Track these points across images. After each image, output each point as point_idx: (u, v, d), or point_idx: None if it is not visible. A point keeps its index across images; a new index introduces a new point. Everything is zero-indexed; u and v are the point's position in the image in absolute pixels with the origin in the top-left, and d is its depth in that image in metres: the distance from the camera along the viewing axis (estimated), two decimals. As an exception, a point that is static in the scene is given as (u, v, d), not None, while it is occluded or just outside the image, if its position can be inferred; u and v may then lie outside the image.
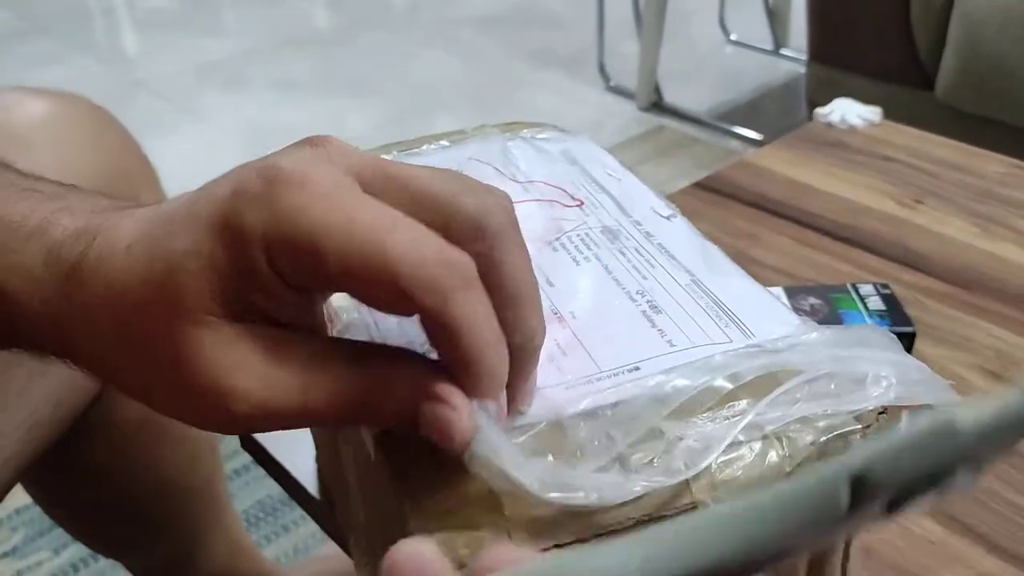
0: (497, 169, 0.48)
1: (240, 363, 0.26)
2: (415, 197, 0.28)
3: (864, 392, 0.32)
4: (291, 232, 0.25)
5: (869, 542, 0.50)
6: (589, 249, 0.42)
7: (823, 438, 0.31)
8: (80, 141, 0.57)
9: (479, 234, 0.28)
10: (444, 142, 0.51)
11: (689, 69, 2.38)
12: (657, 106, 2.17)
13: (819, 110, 0.96)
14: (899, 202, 0.81)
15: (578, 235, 0.43)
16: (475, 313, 0.27)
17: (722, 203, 0.82)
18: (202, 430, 0.29)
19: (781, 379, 0.32)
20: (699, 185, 0.85)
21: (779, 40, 2.37)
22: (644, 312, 0.37)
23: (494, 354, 0.27)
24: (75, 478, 0.66)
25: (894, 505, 0.17)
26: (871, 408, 0.32)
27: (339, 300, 0.36)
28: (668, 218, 0.45)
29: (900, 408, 0.33)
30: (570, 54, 2.38)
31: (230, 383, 0.26)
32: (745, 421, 0.31)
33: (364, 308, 0.36)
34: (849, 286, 0.66)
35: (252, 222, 0.26)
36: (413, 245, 0.26)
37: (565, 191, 0.47)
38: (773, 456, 0.31)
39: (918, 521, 0.51)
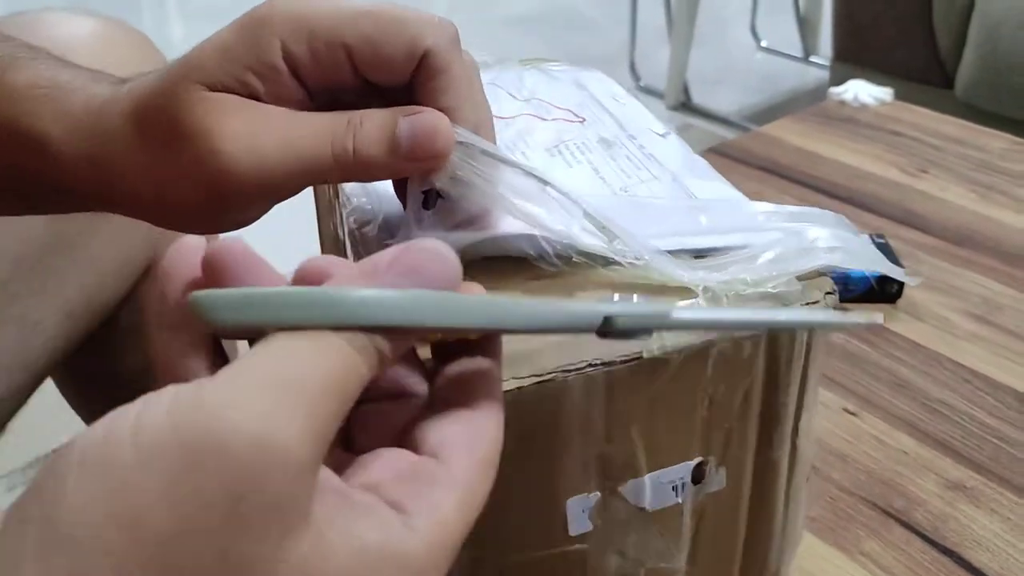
0: (510, 93, 0.53)
1: (230, 126, 0.31)
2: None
3: (809, 258, 0.36)
4: (310, 24, 0.30)
5: (847, 451, 0.54)
6: (584, 155, 0.46)
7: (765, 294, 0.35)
8: (121, 61, 0.61)
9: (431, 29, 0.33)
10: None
11: (719, 73, 2.42)
12: (685, 106, 2.21)
13: (833, 89, 1.00)
14: (903, 170, 0.85)
15: (575, 144, 0.47)
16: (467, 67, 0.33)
17: (733, 167, 0.86)
18: (199, 223, 0.33)
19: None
20: (712, 150, 0.89)
21: (809, 47, 2.40)
22: (635, 202, 0.41)
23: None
24: (106, 381, 0.70)
25: (620, 335, 0.26)
26: (814, 269, 0.35)
27: (351, 187, 0.41)
28: (663, 135, 0.48)
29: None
30: (603, 55, 2.43)
31: (217, 144, 0.30)
32: (698, 275, 0.35)
33: (372, 193, 0.40)
34: (845, 235, 0.70)
35: (275, 12, 0.31)
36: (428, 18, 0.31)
37: (570, 110, 0.51)
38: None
39: (892, 434, 0.55)
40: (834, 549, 0.48)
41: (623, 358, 0.32)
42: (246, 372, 0.21)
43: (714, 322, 0.31)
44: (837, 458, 0.54)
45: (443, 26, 0.32)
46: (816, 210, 0.38)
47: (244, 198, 0.32)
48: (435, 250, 0.24)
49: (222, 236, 0.26)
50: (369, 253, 0.25)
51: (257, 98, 0.32)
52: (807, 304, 0.35)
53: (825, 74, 2.16)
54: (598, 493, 0.35)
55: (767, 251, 0.36)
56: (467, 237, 0.35)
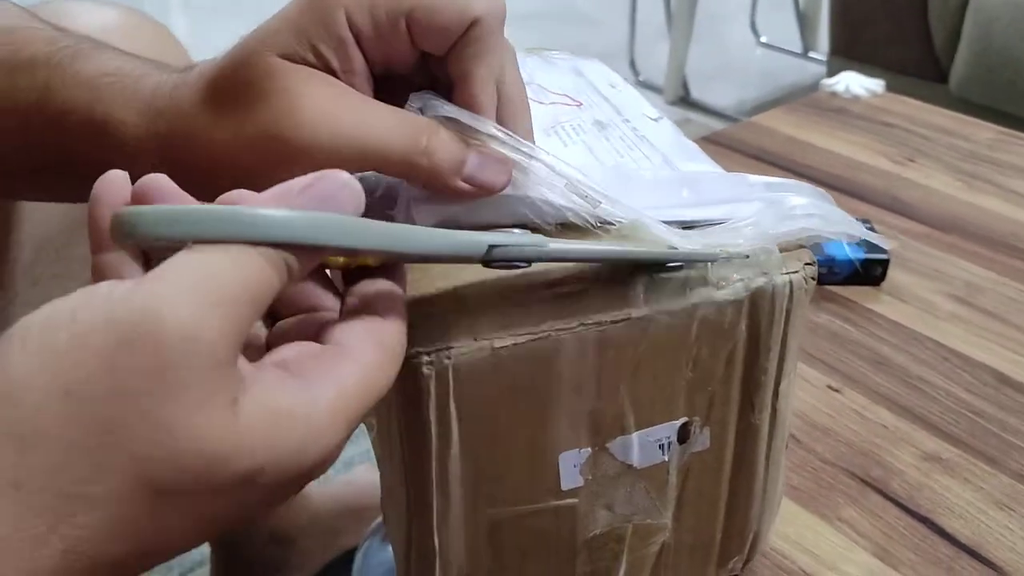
0: None
1: (310, 94, 0.32)
2: None
3: (789, 223, 0.38)
4: None
5: (829, 425, 0.56)
6: (579, 136, 0.47)
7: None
8: (142, 51, 0.63)
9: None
10: None
11: (718, 69, 2.44)
12: (684, 101, 2.23)
13: (825, 80, 1.02)
14: (892, 160, 0.87)
15: (571, 125, 0.49)
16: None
17: (724, 154, 0.88)
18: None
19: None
20: (705, 139, 0.91)
21: (808, 43, 2.42)
22: (623, 173, 0.43)
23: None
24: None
25: (502, 264, 0.31)
26: (794, 233, 0.37)
27: None
28: (656, 120, 0.50)
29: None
30: (602, 50, 2.45)
31: (298, 109, 0.32)
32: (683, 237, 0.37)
33: None
34: (832, 220, 0.72)
35: None
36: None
37: (567, 95, 0.53)
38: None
39: (872, 409, 0.57)
40: (815, 516, 0.50)
41: (613, 318, 0.34)
42: (172, 276, 0.24)
43: (588, 253, 0.33)
44: (820, 432, 0.56)
45: (494, 1, 0.34)
46: (797, 182, 0.40)
47: (309, 167, 0.33)
48: (344, 180, 0.27)
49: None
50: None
51: (330, 71, 0.33)
52: (787, 273, 0.37)
53: (823, 69, 2.18)
54: (589, 449, 0.37)
55: (749, 220, 0.38)
56: (463, 206, 0.37)
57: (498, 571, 0.39)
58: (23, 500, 0.22)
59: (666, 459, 0.39)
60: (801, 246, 0.38)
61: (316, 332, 0.29)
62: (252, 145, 0.33)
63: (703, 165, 0.45)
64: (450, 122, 0.34)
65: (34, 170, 0.40)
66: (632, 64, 2.35)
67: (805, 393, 0.59)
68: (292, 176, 0.34)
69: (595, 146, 0.46)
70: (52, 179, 0.40)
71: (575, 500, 0.38)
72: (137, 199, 0.27)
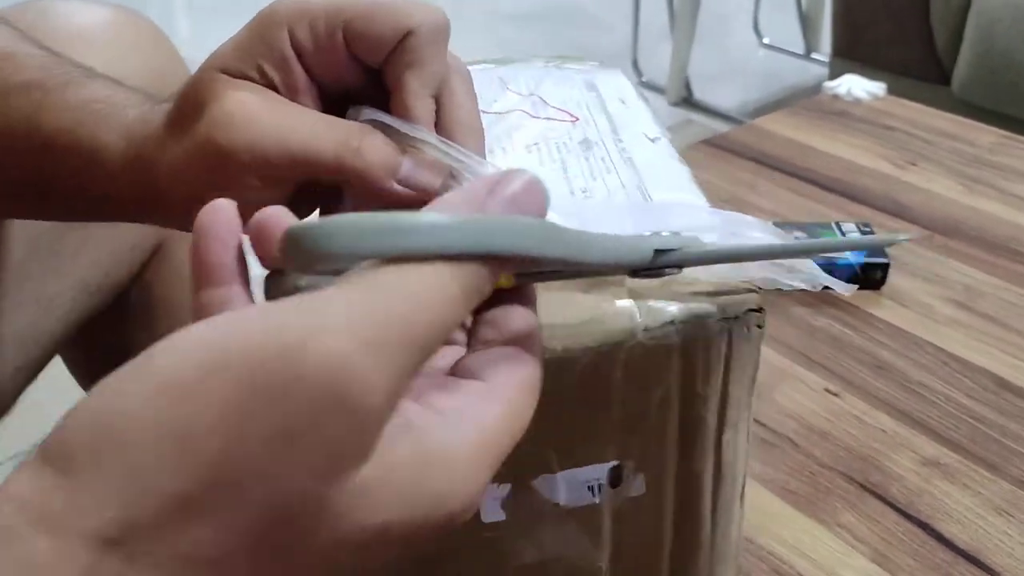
0: (511, 88, 0.54)
1: (241, 105, 0.32)
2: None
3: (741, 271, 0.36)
4: (309, 10, 0.32)
5: (828, 429, 0.56)
6: (559, 154, 0.46)
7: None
8: (133, 50, 0.62)
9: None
10: (489, 64, 0.57)
11: (721, 70, 2.44)
12: (687, 102, 2.22)
13: (827, 83, 1.02)
14: (893, 163, 0.87)
15: (556, 143, 0.48)
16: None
17: (725, 157, 0.88)
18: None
19: None
20: (706, 142, 0.92)
21: (811, 44, 2.41)
22: (576, 203, 0.41)
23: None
24: (116, 359, 0.72)
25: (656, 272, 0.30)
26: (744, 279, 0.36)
27: None
28: (653, 140, 0.48)
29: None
30: (605, 51, 2.45)
31: (230, 119, 0.32)
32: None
33: None
34: (833, 223, 0.72)
35: (280, 8, 0.33)
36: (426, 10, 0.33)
37: (566, 111, 0.52)
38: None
39: (872, 413, 0.57)
40: (812, 521, 0.50)
41: None
42: (340, 303, 0.20)
43: (744, 251, 0.32)
44: (818, 436, 0.56)
45: (433, 13, 0.34)
46: (761, 222, 0.38)
47: (242, 171, 0.33)
48: (529, 178, 0.24)
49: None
50: None
51: (274, 87, 0.34)
52: (725, 319, 0.35)
53: (826, 71, 2.17)
54: (509, 484, 0.36)
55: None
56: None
57: None
58: (126, 557, 0.19)
59: (597, 501, 0.37)
60: (751, 289, 0.36)
61: (446, 362, 0.26)
62: (194, 156, 0.33)
63: (681, 194, 0.43)
64: (386, 128, 0.34)
65: (15, 192, 0.40)
66: (635, 65, 2.35)
67: (803, 397, 0.59)
68: (232, 186, 0.33)
69: (572, 166, 0.45)
70: (33, 199, 0.41)
71: (497, 533, 0.37)
72: (256, 233, 0.25)
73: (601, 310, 0.34)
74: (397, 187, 0.33)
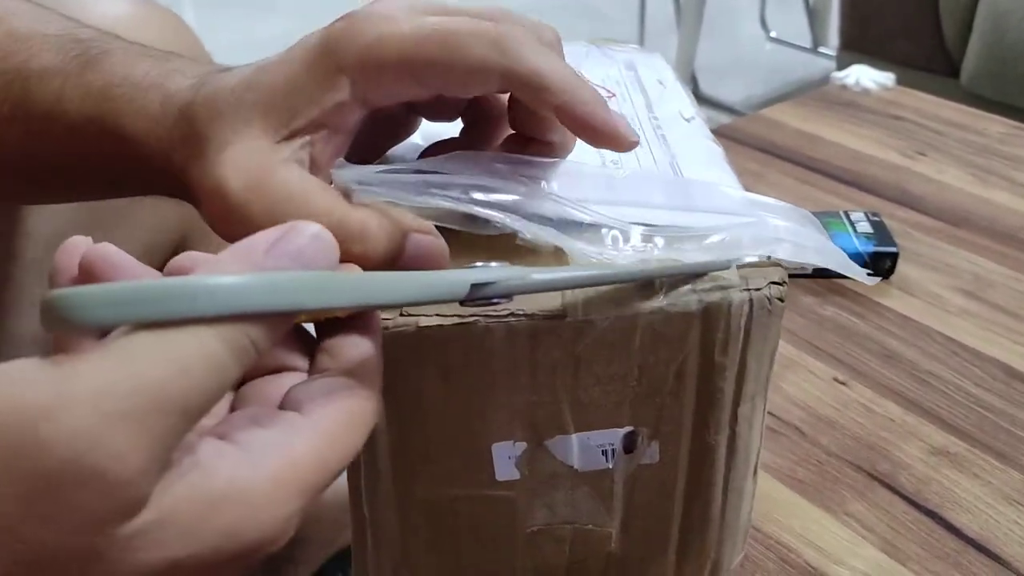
0: None
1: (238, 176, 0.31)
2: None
3: (755, 246, 0.36)
4: (371, 50, 0.31)
5: (836, 418, 0.56)
6: None
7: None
8: (154, 42, 0.63)
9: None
10: None
11: (728, 64, 2.43)
12: (693, 95, 2.21)
13: (835, 74, 1.01)
14: (902, 153, 0.86)
15: None
16: (543, 57, 0.33)
17: (733, 148, 0.88)
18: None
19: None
20: (714, 132, 0.91)
21: (818, 38, 2.40)
22: (607, 173, 0.40)
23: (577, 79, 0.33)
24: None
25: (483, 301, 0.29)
26: (758, 256, 0.35)
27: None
28: (688, 120, 0.47)
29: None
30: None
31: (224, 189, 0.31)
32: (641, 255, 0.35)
33: None
34: (841, 212, 0.72)
35: (340, 50, 0.31)
36: (469, 26, 0.32)
37: (604, 87, 0.52)
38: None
39: (880, 402, 0.57)
40: (820, 510, 0.50)
41: (544, 313, 0.33)
42: (85, 372, 0.21)
43: (569, 280, 0.31)
44: (826, 424, 0.55)
45: (501, 38, 0.32)
46: (789, 206, 0.38)
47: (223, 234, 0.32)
48: (313, 232, 0.24)
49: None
50: None
51: (325, 127, 0.32)
52: (747, 289, 0.34)
53: (833, 64, 2.17)
54: (524, 443, 0.36)
55: (720, 236, 0.36)
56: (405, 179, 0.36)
57: (435, 553, 0.38)
58: None
59: (610, 466, 0.37)
60: (776, 264, 0.36)
61: (280, 395, 0.27)
62: (203, 194, 0.32)
63: (712, 172, 0.43)
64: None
65: (43, 174, 0.40)
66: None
67: (811, 386, 0.58)
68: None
69: None
70: (63, 181, 0.40)
71: (512, 492, 0.37)
72: (84, 272, 0.25)
73: None
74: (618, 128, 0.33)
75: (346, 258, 0.29)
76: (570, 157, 0.38)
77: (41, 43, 0.38)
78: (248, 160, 0.32)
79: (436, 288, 0.28)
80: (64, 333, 0.22)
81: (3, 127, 0.37)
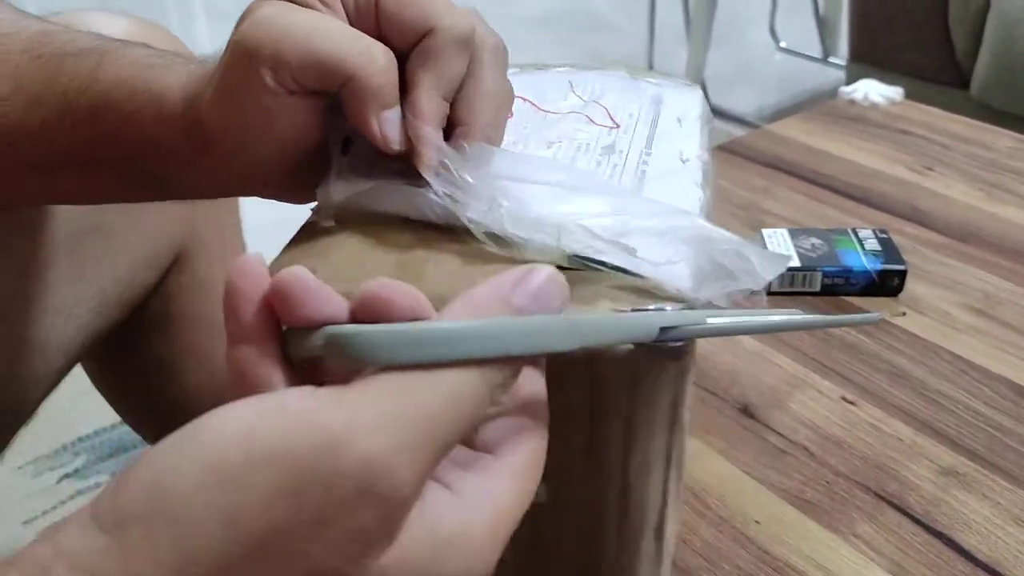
0: (576, 92, 0.53)
1: (275, 11, 0.34)
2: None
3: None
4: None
5: (844, 438, 0.56)
6: (575, 153, 0.46)
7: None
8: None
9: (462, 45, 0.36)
10: (568, 68, 0.57)
11: (738, 73, 2.43)
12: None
13: (843, 88, 1.01)
14: (910, 168, 0.86)
15: (578, 144, 0.48)
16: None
17: (740, 163, 0.88)
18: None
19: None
20: (721, 147, 0.91)
21: (828, 48, 2.40)
22: (559, 192, 0.40)
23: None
24: (136, 369, 0.73)
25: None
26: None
27: None
28: (684, 162, 0.46)
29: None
30: (621, 55, 2.45)
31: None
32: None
33: None
34: (850, 230, 0.72)
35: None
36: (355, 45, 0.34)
37: (612, 117, 0.52)
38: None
39: (888, 422, 0.57)
40: (828, 531, 0.50)
41: None
42: (373, 403, 0.23)
43: (745, 326, 0.32)
44: (834, 444, 0.55)
45: (462, 16, 0.35)
46: (747, 244, 0.36)
47: (258, 74, 0.34)
48: (550, 274, 0.26)
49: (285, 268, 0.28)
50: None
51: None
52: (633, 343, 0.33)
53: (844, 75, 2.16)
54: None
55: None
56: (373, 188, 0.37)
57: None
58: None
59: None
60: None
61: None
62: (226, 69, 0.35)
63: (673, 214, 0.40)
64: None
65: (58, 163, 0.41)
66: (650, 69, 2.35)
67: (819, 405, 0.58)
68: (254, 92, 0.34)
69: (580, 164, 0.44)
70: (77, 168, 0.41)
71: None
72: (278, 293, 0.26)
73: None
74: (373, 126, 0.35)
75: (356, 79, 0.33)
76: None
77: (77, 35, 0.41)
78: (276, 5, 0.35)
79: (633, 331, 0.29)
80: (346, 366, 0.24)
81: (28, 110, 0.39)
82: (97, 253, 0.61)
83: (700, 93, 0.53)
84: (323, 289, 0.26)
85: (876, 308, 0.66)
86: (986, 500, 0.51)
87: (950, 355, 0.62)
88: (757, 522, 0.50)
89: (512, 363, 0.25)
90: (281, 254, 0.37)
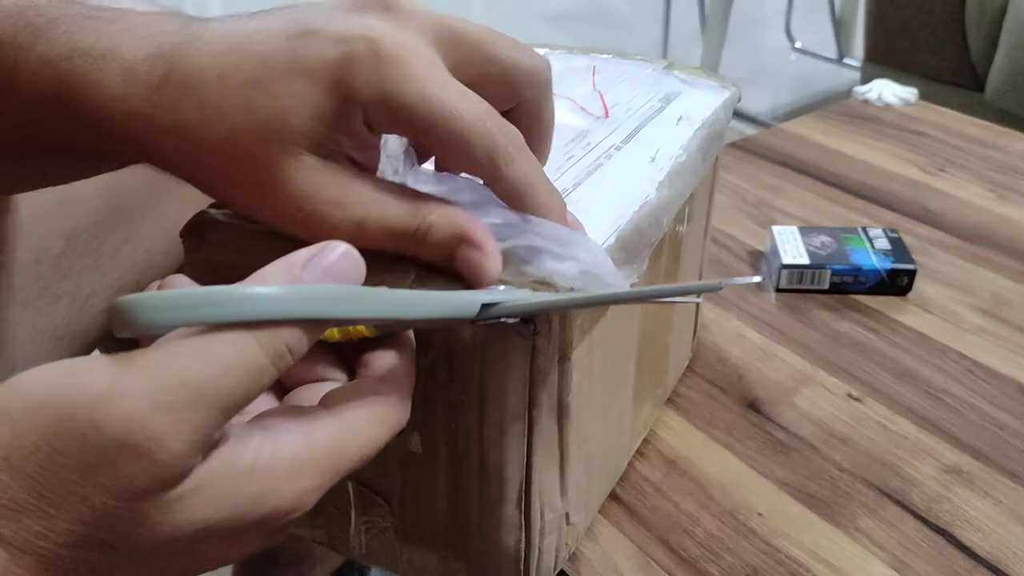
0: (594, 81, 0.53)
1: (319, 192, 0.33)
2: (481, 55, 0.35)
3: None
4: (393, 101, 0.32)
5: (848, 434, 0.56)
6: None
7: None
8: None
9: (532, 84, 0.36)
10: (608, 56, 0.57)
11: (752, 73, 2.43)
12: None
13: (857, 88, 1.01)
14: (923, 169, 0.86)
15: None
16: (530, 170, 0.34)
17: (753, 160, 0.88)
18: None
19: None
20: (734, 145, 0.91)
21: (843, 49, 2.40)
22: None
23: (550, 195, 0.35)
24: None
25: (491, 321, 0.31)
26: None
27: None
28: (651, 160, 0.46)
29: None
30: (635, 52, 2.46)
31: (311, 208, 0.33)
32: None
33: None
34: (860, 229, 0.72)
35: (361, 87, 0.32)
36: (480, 119, 0.33)
37: (604, 106, 0.52)
38: None
39: (894, 419, 0.57)
40: (831, 525, 0.50)
41: None
42: (136, 369, 0.25)
43: (570, 301, 0.33)
44: (839, 440, 0.56)
45: (540, 75, 0.36)
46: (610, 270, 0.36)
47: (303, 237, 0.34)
48: (343, 250, 0.28)
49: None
50: None
51: (342, 152, 0.34)
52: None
53: (859, 76, 2.16)
54: None
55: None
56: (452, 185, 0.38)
57: None
58: None
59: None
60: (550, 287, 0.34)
61: (317, 399, 0.31)
62: (275, 218, 0.34)
63: (596, 209, 0.41)
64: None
65: (13, 152, 0.39)
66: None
67: (824, 401, 0.58)
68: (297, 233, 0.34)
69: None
70: (35, 155, 0.39)
71: None
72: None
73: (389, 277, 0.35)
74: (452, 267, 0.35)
75: (410, 244, 0.34)
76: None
77: None
78: (321, 175, 0.34)
79: (450, 306, 0.30)
80: (130, 335, 0.26)
81: None
82: (115, 243, 0.61)
83: (727, 95, 0.53)
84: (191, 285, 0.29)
85: (885, 307, 0.66)
86: (989, 498, 0.51)
87: (957, 355, 0.62)
88: (760, 514, 0.51)
89: (298, 327, 0.26)
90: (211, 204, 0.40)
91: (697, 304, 0.59)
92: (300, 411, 0.29)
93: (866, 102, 0.99)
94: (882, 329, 0.65)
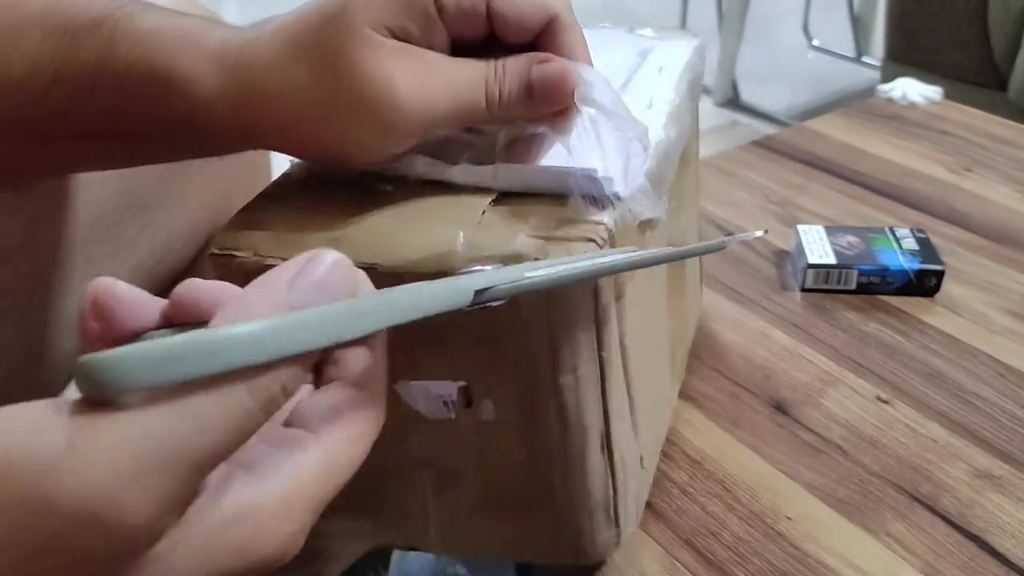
0: None
1: (402, 71, 0.34)
2: None
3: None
4: None
5: (878, 437, 0.55)
6: None
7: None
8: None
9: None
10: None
11: (770, 71, 2.41)
12: (733, 103, 2.21)
13: (881, 86, 1.00)
14: (949, 169, 0.85)
15: None
16: (576, 39, 0.37)
17: (776, 159, 0.87)
18: (362, 153, 0.36)
19: None
20: (756, 143, 0.90)
21: (861, 47, 2.38)
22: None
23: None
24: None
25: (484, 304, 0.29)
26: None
27: None
28: (649, 107, 0.46)
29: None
30: (652, 50, 2.45)
31: (394, 88, 0.34)
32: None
33: None
34: (887, 228, 0.71)
35: None
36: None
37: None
38: None
39: (923, 423, 0.56)
40: (860, 529, 0.49)
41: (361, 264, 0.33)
42: (105, 430, 0.21)
43: (562, 276, 0.31)
44: (868, 443, 0.55)
45: None
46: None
47: (409, 134, 0.35)
48: (332, 260, 0.25)
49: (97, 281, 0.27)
50: None
51: (411, 41, 0.35)
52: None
53: (877, 74, 2.14)
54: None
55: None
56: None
57: None
58: None
59: (453, 417, 0.39)
60: (589, 239, 0.35)
61: (288, 410, 0.28)
62: (351, 116, 0.34)
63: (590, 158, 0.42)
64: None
65: (98, 137, 0.40)
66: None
67: (852, 404, 0.58)
68: (394, 142, 0.35)
69: None
70: (111, 141, 0.40)
71: None
72: (96, 315, 0.26)
73: (447, 239, 0.35)
74: (541, 107, 0.36)
75: (493, 102, 0.36)
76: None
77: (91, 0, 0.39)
78: (394, 53, 0.34)
79: (444, 300, 0.28)
80: (97, 398, 0.22)
81: (48, 90, 0.38)
82: (135, 230, 0.61)
83: (694, 44, 0.55)
84: (138, 297, 0.26)
85: (912, 308, 0.66)
86: (1021, 503, 0.51)
87: (987, 357, 0.61)
88: (789, 518, 0.50)
89: (293, 362, 0.23)
90: (237, 214, 0.39)
91: (700, 283, 0.59)
92: (283, 439, 0.26)
93: (890, 101, 0.98)
94: (910, 331, 0.64)
